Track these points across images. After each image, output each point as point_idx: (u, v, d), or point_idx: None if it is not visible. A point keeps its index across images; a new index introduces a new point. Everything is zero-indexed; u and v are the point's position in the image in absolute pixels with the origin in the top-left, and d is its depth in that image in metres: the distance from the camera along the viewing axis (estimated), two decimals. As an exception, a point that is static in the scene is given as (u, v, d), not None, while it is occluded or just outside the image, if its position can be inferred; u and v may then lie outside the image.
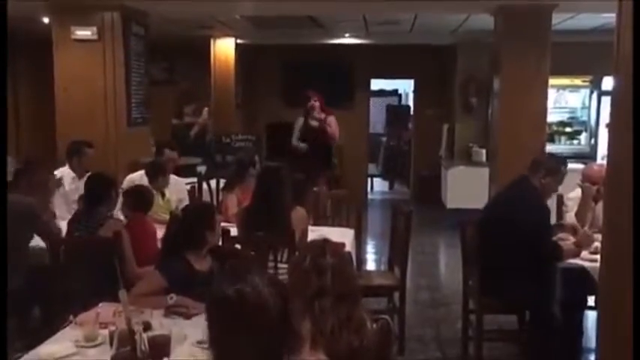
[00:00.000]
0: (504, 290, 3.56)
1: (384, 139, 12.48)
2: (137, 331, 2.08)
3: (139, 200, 3.86)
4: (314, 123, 6.68)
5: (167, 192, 4.58)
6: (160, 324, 2.32)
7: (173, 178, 4.77)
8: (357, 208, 4.90)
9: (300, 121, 6.83)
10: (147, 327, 2.27)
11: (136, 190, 4.01)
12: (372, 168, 11.44)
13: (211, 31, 8.52)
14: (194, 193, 5.29)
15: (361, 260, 4.86)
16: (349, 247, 3.97)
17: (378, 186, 11.79)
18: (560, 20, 6.75)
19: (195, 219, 2.90)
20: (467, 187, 7.74)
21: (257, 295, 1.46)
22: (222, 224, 3.76)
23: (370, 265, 6.29)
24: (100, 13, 5.61)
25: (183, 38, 8.61)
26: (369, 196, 10.60)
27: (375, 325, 2.06)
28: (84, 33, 5.56)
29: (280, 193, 3.52)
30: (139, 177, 4.65)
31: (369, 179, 10.96)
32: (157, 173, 4.54)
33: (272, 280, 1.57)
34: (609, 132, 2.59)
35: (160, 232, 3.44)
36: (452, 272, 5.35)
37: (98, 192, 3.73)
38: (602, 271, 2.58)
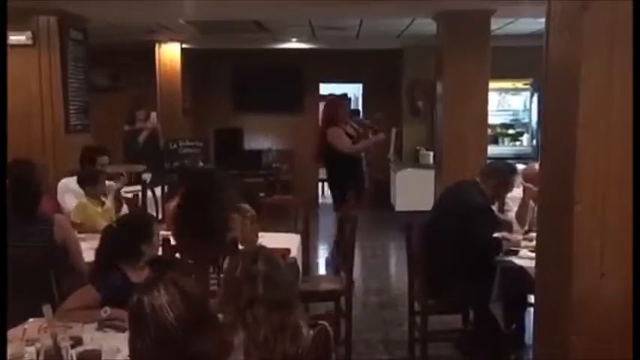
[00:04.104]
0: (446, 290, 3.61)
1: (335, 143, 12.47)
2: (64, 347, 2.00)
3: None
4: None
5: (107, 201, 4.44)
6: (91, 338, 2.24)
7: (113, 186, 4.63)
8: (305, 213, 4.87)
9: None
10: (77, 342, 2.20)
11: None
12: (322, 172, 11.41)
13: (156, 35, 8.38)
14: (137, 201, 5.16)
15: (309, 265, 4.82)
16: (295, 252, 3.94)
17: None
18: (501, 25, 6.93)
19: (131, 231, 2.78)
20: (415, 190, 7.84)
21: (155, 304, 1.48)
22: (164, 232, 3.66)
23: (320, 269, 6.27)
24: (36, 17, 5.44)
25: (127, 43, 8.43)
26: (320, 201, 10.59)
27: (312, 332, 2.03)
28: (18, 38, 5.38)
29: (213, 198, 3.38)
30: (72, 181, 4.51)
31: (319, 184, 10.96)
32: (85, 182, 4.33)
33: (181, 289, 1.55)
34: (541, 132, 2.66)
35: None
36: (401, 275, 5.38)
37: (25, 179, 3.37)
38: (537, 270, 2.65)
